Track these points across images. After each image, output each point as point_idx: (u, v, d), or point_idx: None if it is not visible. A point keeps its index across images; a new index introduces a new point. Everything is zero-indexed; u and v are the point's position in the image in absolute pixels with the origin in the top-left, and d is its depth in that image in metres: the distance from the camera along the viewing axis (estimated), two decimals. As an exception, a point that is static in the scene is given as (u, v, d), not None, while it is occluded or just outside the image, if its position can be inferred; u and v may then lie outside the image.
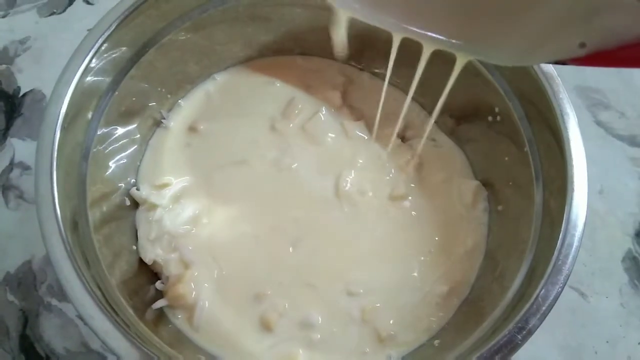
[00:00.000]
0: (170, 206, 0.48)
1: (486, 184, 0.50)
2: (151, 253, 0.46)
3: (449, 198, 0.50)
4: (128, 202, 0.48)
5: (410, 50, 0.42)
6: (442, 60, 0.41)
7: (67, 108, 0.38)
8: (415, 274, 0.47)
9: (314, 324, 0.44)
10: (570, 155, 0.38)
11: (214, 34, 0.51)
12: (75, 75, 0.39)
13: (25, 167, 0.56)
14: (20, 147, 0.57)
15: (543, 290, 0.35)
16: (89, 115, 0.42)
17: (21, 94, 0.59)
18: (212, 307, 0.45)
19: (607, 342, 0.51)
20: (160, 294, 0.45)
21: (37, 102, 0.59)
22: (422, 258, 0.48)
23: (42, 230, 0.35)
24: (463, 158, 0.53)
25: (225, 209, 0.49)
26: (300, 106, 0.53)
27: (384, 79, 0.47)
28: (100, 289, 0.36)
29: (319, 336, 0.44)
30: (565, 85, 0.41)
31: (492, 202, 0.50)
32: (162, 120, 0.52)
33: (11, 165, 0.56)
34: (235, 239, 0.47)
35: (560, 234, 0.36)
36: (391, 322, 0.45)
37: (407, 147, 0.53)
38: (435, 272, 0.47)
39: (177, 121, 0.53)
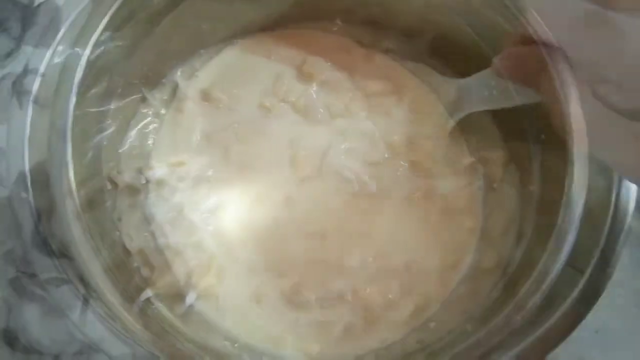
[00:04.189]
0: (185, 189, 0.47)
1: (480, 161, 0.49)
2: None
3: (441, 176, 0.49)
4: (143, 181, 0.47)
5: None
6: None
7: (82, 76, 0.37)
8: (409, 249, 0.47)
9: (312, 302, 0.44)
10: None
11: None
12: (86, 47, 0.38)
13: (39, 74, 0.53)
14: (35, 54, 0.54)
15: (591, 278, 0.34)
16: (101, 89, 0.41)
17: (36, 3, 0.57)
18: (232, 293, 0.44)
19: None
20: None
21: (52, 12, 0.57)
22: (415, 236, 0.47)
23: (58, 206, 0.37)
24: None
25: (242, 190, 0.47)
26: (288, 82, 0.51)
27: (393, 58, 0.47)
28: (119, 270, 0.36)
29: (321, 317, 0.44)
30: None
31: (523, 183, 0.47)
32: (177, 93, 0.50)
33: (25, 71, 0.55)
34: (251, 220, 0.46)
35: (609, 217, 0.35)
36: (389, 297, 0.45)
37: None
38: (431, 249, 0.47)
39: (192, 93, 0.50)
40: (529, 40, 0.36)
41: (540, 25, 0.36)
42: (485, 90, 0.42)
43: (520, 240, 0.45)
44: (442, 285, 0.46)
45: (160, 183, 0.46)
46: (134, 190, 0.46)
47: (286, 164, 0.48)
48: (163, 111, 0.49)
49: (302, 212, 0.47)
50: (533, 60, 0.36)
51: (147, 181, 0.47)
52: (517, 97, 0.39)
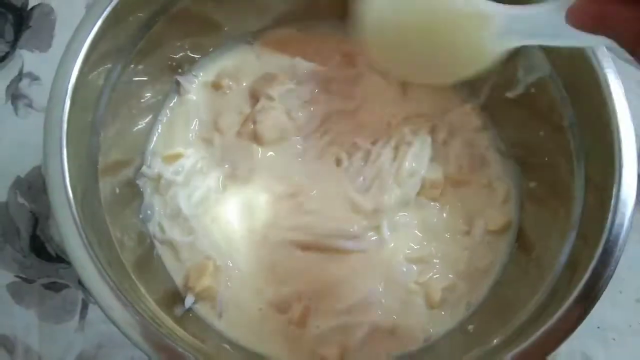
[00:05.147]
0: (183, 181, 0.46)
1: (518, 159, 0.48)
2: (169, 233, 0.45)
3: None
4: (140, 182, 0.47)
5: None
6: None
7: (76, 82, 0.36)
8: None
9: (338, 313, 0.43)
10: (617, 128, 0.36)
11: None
12: (83, 46, 0.37)
13: (34, 78, 0.57)
14: (29, 58, 0.58)
15: (592, 275, 0.33)
16: (99, 90, 0.40)
17: (29, 7, 0.60)
18: (231, 295, 0.44)
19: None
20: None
21: (46, 15, 0.59)
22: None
23: (55, 214, 0.34)
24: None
25: (240, 185, 0.47)
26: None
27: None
28: (115, 275, 0.35)
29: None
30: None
31: (523, 179, 0.47)
32: (176, 91, 0.50)
33: (20, 76, 0.57)
34: (253, 219, 0.46)
35: (609, 214, 0.34)
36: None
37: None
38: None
39: (191, 90, 0.50)
40: None
41: None
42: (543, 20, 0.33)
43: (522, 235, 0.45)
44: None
45: (157, 179, 0.46)
46: (130, 190, 0.46)
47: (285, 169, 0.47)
48: (161, 107, 0.49)
49: (302, 221, 0.46)
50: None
51: (145, 177, 0.47)
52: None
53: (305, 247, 0.45)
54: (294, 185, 0.46)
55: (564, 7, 0.30)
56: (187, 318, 0.42)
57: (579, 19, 0.29)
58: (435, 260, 0.45)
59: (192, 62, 0.50)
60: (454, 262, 0.45)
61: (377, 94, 0.49)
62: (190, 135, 0.49)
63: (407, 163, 0.46)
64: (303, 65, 0.50)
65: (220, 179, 0.47)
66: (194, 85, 0.50)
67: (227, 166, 0.47)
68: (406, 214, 0.46)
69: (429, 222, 0.46)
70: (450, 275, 0.44)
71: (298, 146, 0.48)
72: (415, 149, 0.47)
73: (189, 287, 0.43)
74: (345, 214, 0.45)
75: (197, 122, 0.49)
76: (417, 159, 0.46)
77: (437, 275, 0.44)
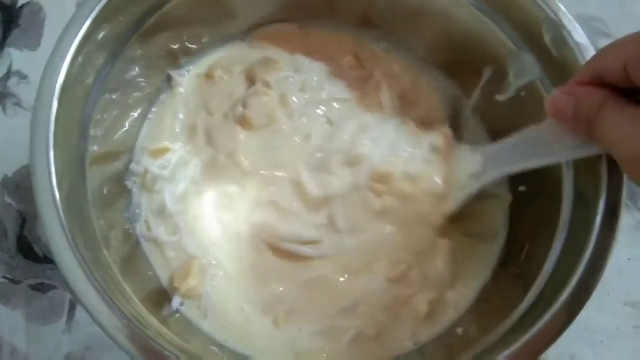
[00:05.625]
0: (168, 176, 0.46)
1: None
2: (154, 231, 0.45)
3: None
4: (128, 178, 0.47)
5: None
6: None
7: (64, 82, 0.36)
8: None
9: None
10: None
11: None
12: (71, 45, 0.37)
13: (22, 76, 0.57)
14: (18, 56, 0.58)
15: (582, 277, 0.33)
16: (87, 88, 0.40)
17: (18, 5, 0.60)
18: (219, 293, 0.43)
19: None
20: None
21: (35, 14, 0.59)
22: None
23: (41, 215, 0.33)
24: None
25: (218, 173, 0.46)
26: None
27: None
28: (102, 276, 0.35)
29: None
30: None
31: (514, 182, 0.47)
32: (166, 87, 0.49)
33: (8, 74, 0.57)
34: (228, 213, 0.45)
35: (598, 217, 0.34)
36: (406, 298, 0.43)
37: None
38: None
39: (182, 83, 0.50)
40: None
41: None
42: (521, 149, 0.38)
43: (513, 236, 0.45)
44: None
45: (144, 174, 0.46)
46: (118, 189, 0.46)
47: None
48: (151, 103, 0.49)
49: (261, 218, 0.45)
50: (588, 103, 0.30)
51: (133, 175, 0.46)
52: (562, 152, 0.36)
53: (271, 247, 0.44)
54: (267, 173, 0.45)
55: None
56: (173, 318, 0.42)
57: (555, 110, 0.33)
58: (414, 272, 0.44)
59: (185, 58, 0.50)
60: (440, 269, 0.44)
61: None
62: (178, 128, 0.48)
63: (365, 140, 0.45)
64: (304, 58, 0.49)
65: (199, 167, 0.46)
66: (184, 78, 0.49)
67: (204, 155, 0.46)
68: (371, 218, 0.44)
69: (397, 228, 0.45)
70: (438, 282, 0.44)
71: (283, 126, 0.46)
72: (378, 130, 0.46)
73: (174, 287, 0.43)
74: (298, 207, 0.44)
75: (186, 114, 0.48)
76: (377, 140, 0.45)
77: (418, 287, 0.43)
